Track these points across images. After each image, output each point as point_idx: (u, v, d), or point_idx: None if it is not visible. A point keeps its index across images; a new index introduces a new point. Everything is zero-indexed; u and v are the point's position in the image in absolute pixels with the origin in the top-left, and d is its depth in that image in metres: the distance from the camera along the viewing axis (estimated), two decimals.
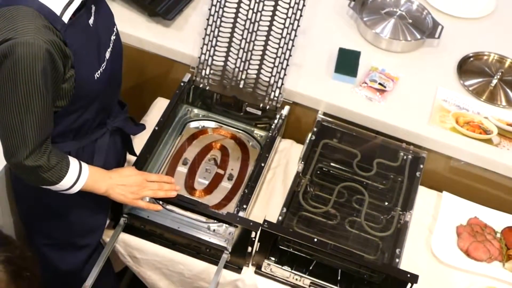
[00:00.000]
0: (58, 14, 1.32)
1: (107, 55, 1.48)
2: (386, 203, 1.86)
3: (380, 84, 2.03)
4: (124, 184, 1.57)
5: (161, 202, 1.75)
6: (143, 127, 1.79)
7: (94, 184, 1.53)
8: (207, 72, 1.97)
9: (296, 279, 1.71)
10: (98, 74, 1.44)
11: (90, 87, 1.43)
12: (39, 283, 1.15)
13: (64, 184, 1.47)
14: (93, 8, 1.43)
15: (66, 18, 1.33)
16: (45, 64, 1.29)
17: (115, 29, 1.53)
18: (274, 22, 1.88)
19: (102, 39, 1.47)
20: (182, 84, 1.94)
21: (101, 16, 1.46)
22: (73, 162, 1.49)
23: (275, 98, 1.94)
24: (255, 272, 1.74)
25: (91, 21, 1.42)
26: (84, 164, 1.52)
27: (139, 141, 1.84)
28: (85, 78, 1.41)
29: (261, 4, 1.86)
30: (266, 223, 1.62)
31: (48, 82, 1.32)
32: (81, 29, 1.38)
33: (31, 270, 1.12)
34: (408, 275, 1.59)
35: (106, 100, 1.56)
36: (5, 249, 1.08)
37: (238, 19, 1.91)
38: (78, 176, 1.49)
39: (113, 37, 1.51)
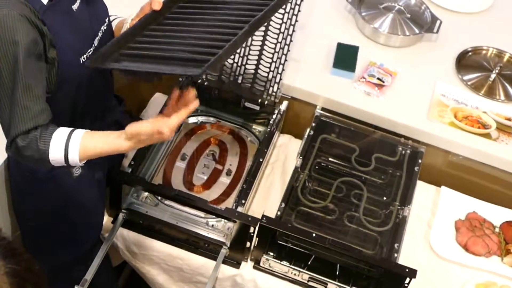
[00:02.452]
0: None
1: (96, 42, 1.48)
2: (385, 198, 1.86)
3: (378, 79, 2.03)
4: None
5: (159, 198, 1.76)
6: None
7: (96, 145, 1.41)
8: None
9: (295, 274, 1.72)
10: (83, 58, 1.44)
11: (75, 70, 1.43)
12: None
13: (56, 150, 1.38)
14: None
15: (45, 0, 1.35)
16: (21, 34, 1.29)
17: (106, 20, 1.53)
18: (272, 17, 1.87)
19: (89, 26, 1.47)
20: (180, 79, 1.94)
21: (90, 5, 1.47)
22: (62, 128, 1.41)
23: (274, 93, 1.94)
24: (254, 267, 1.74)
25: (75, 6, 1.42)
26: (78, 130, 1.41)
27: None
28: (69, 61, 1.41)
29: None
30: (264, 218, 1.63)
31: (30, 51, 1.31)
32: (62, 12, 1.39)
33: (36, 283, 1.11)
34: (407, 270, 1.60)
35: (97, 84, 1.55)
36: (11, 261, 1.08)
37: None
38: (68, 138, 1.38)
39: (103, 27, 1.51)
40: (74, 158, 1.38)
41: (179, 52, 1.38)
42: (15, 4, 1.30)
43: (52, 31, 1.36)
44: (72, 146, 1.37)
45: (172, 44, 1.42)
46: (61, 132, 1.38)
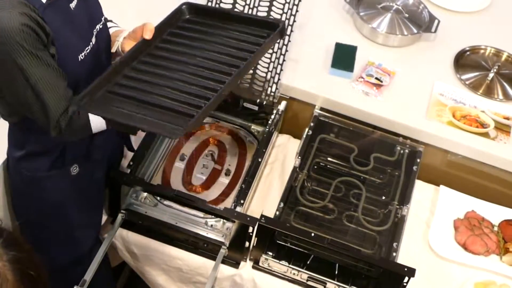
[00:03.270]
0: None
1: (93, 40, 1.50)
2: (384, 197, 1.87)
3: (376, 78, 2.03)
4: None
5: (158, 198, 1.76)
6: None
7: None
8: None
9: (294, 274, 1.72)
10: (82, 56, 1.46)
11: (73, 67, 1.45)
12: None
13: (96, 118, 1.47)
14: None
15: None
16: (27, 33, 1.31)
17: (102, 19, 1.54)
18: (271, 17, 1.88)
19: (86, 25, 1.49)
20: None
21: (86, 4, 1.48)
22: None
23: (272, 94, 1.95)
24: (253, 267, 1.75)
25: (72, 5, 1.44)
26: None
27: (136, 137, 1.84)
28: (68, 58, 1.43)
29: (257, 0, 1.87)
30: (263, 218, 1.63)
31: (39, 46, 1.34)
32: (60, 10, 1.40)
33: (37, 272, 1.12)
34: (406, 269, 1.60)
35: None
36: (12, 249, 1.09)
37: None
38: None
39: (99, 26, 1.53)
40: None
41: (164, 98, 1.41)
42: (15, 4, 1.31)
43: (52, 29, 1.37)
44: None
45: (158, 87, 1.44)
46: None
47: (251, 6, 1.88)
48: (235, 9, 1.90)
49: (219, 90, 1.40)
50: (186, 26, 1.60)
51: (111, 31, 1.61)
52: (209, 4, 1.92)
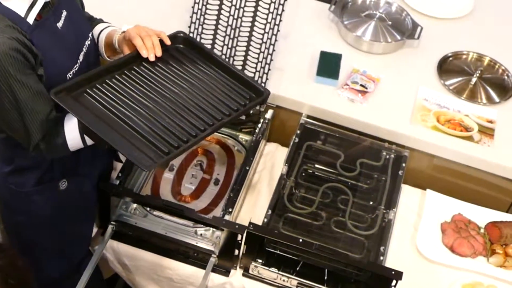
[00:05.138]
0: (23, 15, 1.37)
1: (81, 58, 1.52)
2: (371, 202, 1.89)
3: (361, 85, 2.06)
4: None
5: (148, 209, 1.78)
6: None
7: None
8: None
9: (284, 280, 1.74)
10: (70, 74, 1.48)
11: None
12: None
13: (72, 139, 1.49)
14: (64, 13, 1.48)
15: (31, 20, 1.38)
16: (15, 58, 1.33)
17: (90, 35, 1.56)
18: (255, 28, 1.90)
19: (74, 42, 1.51)
20: None
21: (73, 22, 1.50)
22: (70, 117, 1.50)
23: None
24: (243, 275, 1.76)
25: (59, 24, 1.46)
26: None
27: None
28: (56, 77, 1.45)
29: (241, 10, 1.89)
30: (251, 226, 1.65)
31: (25, 71, 1.36)
32: (48, 30, 1.43)
33: (20, 278, 1.13)
34: (393, 272, 1.62)
35: None
36: None
37: (219, 26, 1.94)
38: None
39: (87, 42, 1.55)
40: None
41: (141, 122, 1.44)
42: (3, 29, 1.33)
43: (40, 50, 1.39)
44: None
45: (137, 106, 1.47)
46: (71, 122, 1.47)
47: (236, 16, 1.90)
48: (220, 20, 1.92)
49: (196, 138, 1.45)
50: (175, 56, 1.63)
51: (105, 32, 1.63)
52: (194, 14, 1.94)
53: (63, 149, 1.49)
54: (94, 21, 1.68)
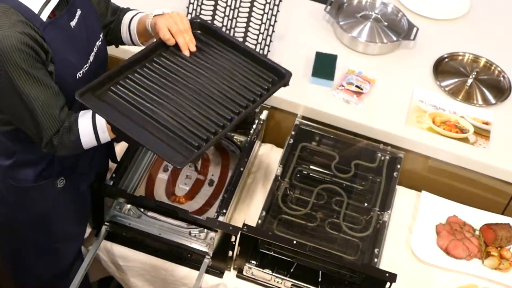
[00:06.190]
0: (36, 12, 1.37)
1: (91, 58, 1.51)
2: (365, 204, 1.88)
3: (357, 86, 2.05)
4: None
5: (142, 210, 1.77)
6: None
7: None
8: None
9: (278, 282, 1.73)
10: (80, 74, 1.47)
11: (72, 85, 1.46)
12: None
13: (86, 136, 1.47)
14: (79, 12, 1.47)
15: (44, 16, 1.38)
16: (25, 52, 1.32)
17: (101, 36, 1.56)
18: (250, 29, 1.90)
19: (86, 42, 1.50)
20: None
21: (86, 21, 1.50)
22: (84, 113, 1.48)
23: None
24: (237, 276, 1.76)
25: (73, 23, 1.46)
26: None
27: (119, 150, 1.85)
28: (66, 76, 1.44)
29: (236, 11, 1.89)
30: (245, 227, 1.64)
31: (36, 65, 1.36)
32: (61, 28, 1.42)
33: None
34: (387, 274, 1.61)
35: None
36: None
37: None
38: (93, 121, 1.47)
39: (98, 43, 1.54)
40: (106, 137, 1.48)
41: (168, 117, 1.41)
42: (15, 23, 1.32)
43: (51, 47, 1.39)
44: (100, 127, 1.45)
45: (162, 100, 1.44)
46: (85, 119, 1.45)
47: (230, 17, 1.90)
48: (214, 21, 1.92)
49: (224, 129, 1.42)
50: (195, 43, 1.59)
51: (136, 19, 1.63)
52: (189, 15, 1.94)
53: (76, 146, 1.48)
54: (122, 11, 1.68)
